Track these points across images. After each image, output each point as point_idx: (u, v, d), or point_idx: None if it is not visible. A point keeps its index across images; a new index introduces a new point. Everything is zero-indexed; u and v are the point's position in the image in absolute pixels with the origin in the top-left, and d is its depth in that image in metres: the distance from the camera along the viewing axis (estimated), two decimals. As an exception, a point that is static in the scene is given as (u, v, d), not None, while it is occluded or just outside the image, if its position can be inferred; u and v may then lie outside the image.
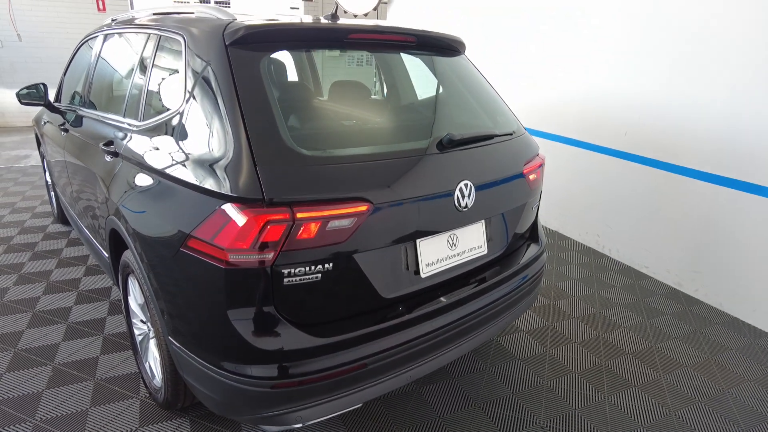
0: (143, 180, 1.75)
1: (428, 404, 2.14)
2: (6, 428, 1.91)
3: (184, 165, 1.53)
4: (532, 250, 2.15)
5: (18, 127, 8.80)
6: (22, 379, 2.21)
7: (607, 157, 3.83)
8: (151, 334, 1.99)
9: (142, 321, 2.10)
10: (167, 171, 1.60)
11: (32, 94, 3.19)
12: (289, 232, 1.32)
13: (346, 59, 5.53)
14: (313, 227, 1.35)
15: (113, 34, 2.58)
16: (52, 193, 4.11)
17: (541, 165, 2.12)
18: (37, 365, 2.31)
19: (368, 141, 1.72)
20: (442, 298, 1.70)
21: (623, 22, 3.55)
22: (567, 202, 4.23)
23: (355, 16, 7.21)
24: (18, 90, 3.20)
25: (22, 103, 3.20)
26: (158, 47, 1.95)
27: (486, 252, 1.88)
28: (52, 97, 3.30)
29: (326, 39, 1.71)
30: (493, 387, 2.28)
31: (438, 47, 2.09)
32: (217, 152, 1.42)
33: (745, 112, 2.88)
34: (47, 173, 4.11)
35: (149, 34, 2.09)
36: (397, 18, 6.68)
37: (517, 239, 2.08)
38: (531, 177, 2.00)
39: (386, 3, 7.14)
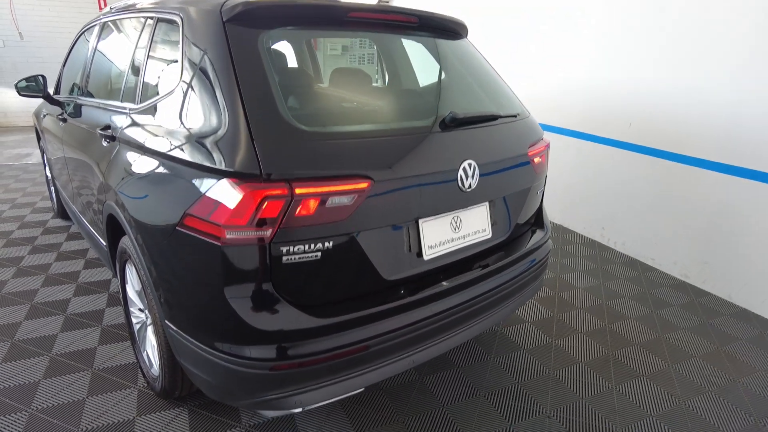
0: (140, 161, 1.72)
1: (431, 394, 2.10)
2: (2, 418, 1.87)
3: (180, 143, 1.50)
4: (537, 236, 2.10)
5: (20, 127, 8.81)
6: (19, 369, 2.17)
7: (612, 149, 3.78)
8: (149, 322, 1.95)
9: (140, 309, 2.06)
10: (163, 150, 1.56)
11: (31, 87, 3.17)
12: (287, 208, 1.28)
13: (348, 57, 5.50)
14: (312, 204, 1.31)
15: (110, 21, 2.56)
16: (52, 188, 4.09)
17: (546, 149, 2.07)
18: (35, 356, 2.28)
19: (369, 119, 1.68)
20: (445, 282, 1.66)
21: (624, 13, 3.51)
22: (571, 195, 4.18)
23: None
24: (17, 81, 3.18)
25: (20, 94, 3.19)
26: (155, 29, 1.92)
27: (490, 236, 1.84)
28: (51, 89, 3.28)
29: (326, 17, 1.67)
30: (497, 377, 2.23)
31: (440, 29, 2.05)
32: (213, 128, 1.39)
33: (750, 99, 2.83)
34: (47, 168, 4.09)
35: (146, 17, 2.05)
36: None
37: (521, 225, 2.03)
38: (536, 160, 1.96)
39: (386, 3, 7.14)
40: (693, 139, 3.17)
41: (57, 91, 3.36)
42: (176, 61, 1.64)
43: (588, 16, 3.83)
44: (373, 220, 1.44)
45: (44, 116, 3.59)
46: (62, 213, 4.03)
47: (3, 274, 3.08)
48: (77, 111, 2.69)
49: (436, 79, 2.08)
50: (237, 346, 1.36)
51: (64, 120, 2.85)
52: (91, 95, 2.59)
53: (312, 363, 1.37)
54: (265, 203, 1.26)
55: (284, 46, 2.01)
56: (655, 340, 2.59)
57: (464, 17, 2.22)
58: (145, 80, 1.89)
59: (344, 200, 1.35)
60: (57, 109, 3.10)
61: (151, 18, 1.98)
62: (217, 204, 1.30)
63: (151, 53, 1.91)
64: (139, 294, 1.98)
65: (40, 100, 3.89)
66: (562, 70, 4.12)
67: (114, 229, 2.06)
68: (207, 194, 1.33)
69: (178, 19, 1.70)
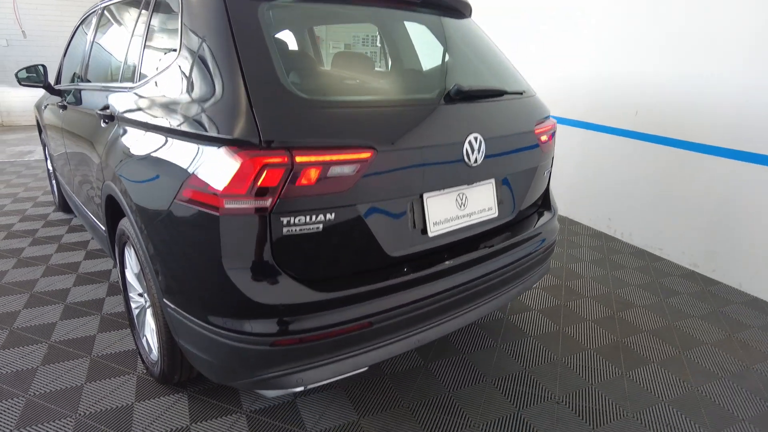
0: (138, 137, 1.68)
1: (437, 379, 2.05)
2: (-2, 403, 1.84)
3: (178, 114, 1.46)
4: (545, 217, 2.05)
5: (23, 126, 8.83)
6: (17, 356, 2.14)
7: (618, 138, 3.73)
8: (148, 305, 1.91)
9: (139, 294, 2.03)
10: (161, 123, 1.52)
11: (32, 77, 3.15)
12: (287, 177, 1.24)
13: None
14: (314, 173, 1.26)
15: (108, 6, 2.53)
16: (54, 182, 4.07)
17: (553, 128, 2.03)
18: (33, 343, 2.24)
19: (372, 91, 1.64)
20: (450, 260, 1.61)
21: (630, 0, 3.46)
22: (576, 186, 4.12)
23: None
24: (17, 71, 3.16)
25: (21, 84, 3.17)
26: (154, 7, 1.89)
27: (497, 215, 1.79)
28: (52, 79, 3.26)
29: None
30: (504, 363, 2.18)
31: (444, 8, 2.00)
32: (212, 96, 1.35)
33: (761, 84, 2.77)
34: (49, 162, 4.08)
35: (145, -4, 2.02)
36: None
37: (528, 206, 1.98)
38: (543, 138, 1.91)
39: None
40: (701, 126, 3.11)
41: (58, 81, 3.34)
42: (175, 34, 1.60)
43: (594, 3, 3.78)
44: (377, 193, 1.40)
45: (45, 107, 3.57)
46: (64, 206, 4.01)
47: (3, 264, 3.05)
48: (77, 97, 2.67)
49: (440, 59, 2.04)
50: (236, 320, 1.31)
51: (64, 107, 2.83)
52: (90, 81, 2.57)
53: (314, 339, 1.32)
54: (265, 172, 1.22)
55: (285, 17, 1.96)
56: (665, 328, 2.53)
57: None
58: (144, 57, 1.86)
59: (346, 170, 1.31)
60: (57, 99, 3.07)
61: None
62: (215, 173, 1.26)
63: (149, 30, 1.88)
64: (138, 277, 1.94)
65: (41, 95, 3.88)
66: (565, 59, 4.07)
67: (113, 212, 2.03)
68: (205, 164, 1.29)
69: None
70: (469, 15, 2.15)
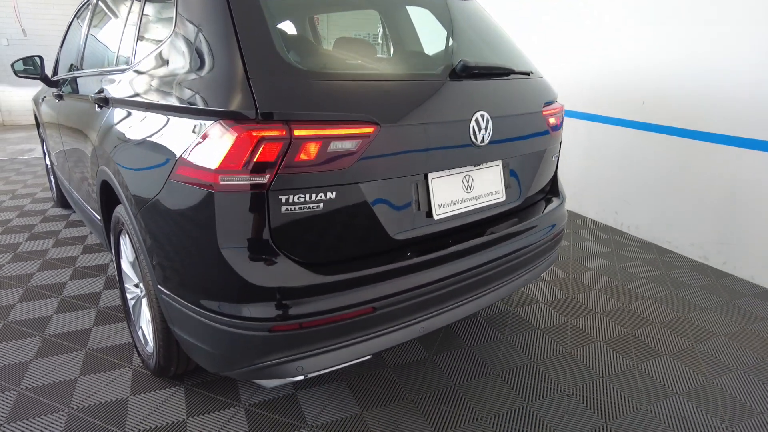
0: (132, 118, 1.62)
1: (442, 372, 1.98)
2: (-11, 397, 1.78)
3: (171, 89, 1.40)
4: (553, 204, 1.99)
5: (24, 125, 8.80)
6: (10, 349, 2.08)
7: (624, 129, 3.66)
8: (143, 294, 1.85)
9: (135, 285, 1.97)
10: (155, 100, 1.47)
11: (28, 69, 3.10)
12: (285, 151, 1.17)
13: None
14: (313, 148, 1.20)
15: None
16: (52, 177, 4.03)
17: (561, 111, 1.96)
18: (27, 336, 2.18)
19: (376, 66, 1.58)
20: (456, 245, 1.54)
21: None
22: (581, 179, 4.05)
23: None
24: (13, 62, 3.11)
25: (17, 75, 3.11)
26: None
27: (504, 199, 1.73)
28: (49, 71, 3.21)
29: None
30: (512, 355, 2.11)
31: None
32: (206, 68, 1.29)
33: (774, 69, 2.70)
34: (47, 157, 4.03)
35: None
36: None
37: (536, 191, 1.92)
38: (551, 120, 1.85)
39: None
40: (711, 114, 3.04)
41: (55, 73, 3.29)
42: (170, 9, 1.54)
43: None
44: (380, 171, 1.33)
45: (42, 100, 3.53)
46: (62, 202, 3.96)
47: (-1, 259, 3.00)
48: (73, 86, 2.62)
49: (444, 39, 1.97)
50: (233, 305, 1.25)
51: (60, 97, 2.78)
52: (86, 68, 2.52)
53: (314, 324, 1.26)
54: (262, 146, 1.16)
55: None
56: (676, 320, 2.46)
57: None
58: (139, 37, 1.80)
59: (348, 146, 1.24)
60: (54, 91, 3.02)
61: None
62: (210, 148, 1.20)
63: (144, 9, 1.82)
64: (133, 265, 1.88)
65: (39, 89, 3.84)
66: (568, 49, 4.00)
67: (108, 200, 1.97)
68: (199, 139, 1.23)
69: None
70: (474, -3, 2.09)
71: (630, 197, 3.66)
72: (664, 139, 3.35)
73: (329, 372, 1.52)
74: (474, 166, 1.60)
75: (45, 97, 3.43)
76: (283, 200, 1.21)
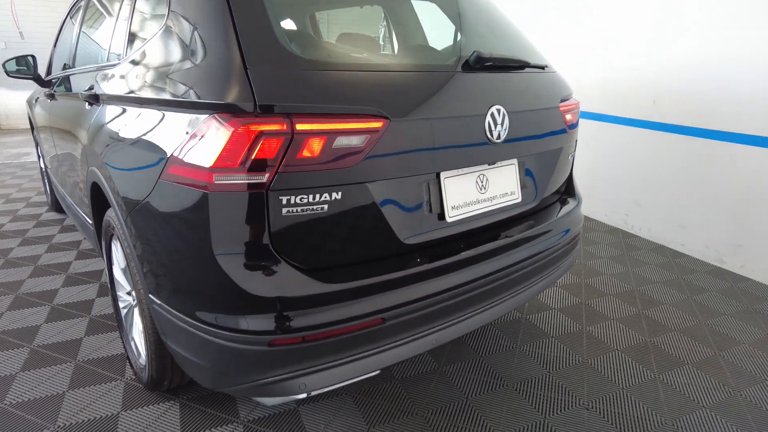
0: (122, 114, 1.52)
1: (453, 384, 1.87)
2: (-30, 413, 1.67)
3: (164, 82, 1.30)
4: (570, 205, 1.88)
5: (22, 129, 8.71)
6: (-5, 361, 1.97)
7: (634, 129, 3.55)
8: (135, 303, 1.74)
9: (127, 293, 1.86)
10: (146, 95, 1.36)
11: (21, 69, 3.01)
12: (287, 148, 1.07)
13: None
14: (317, 144, 1.10)
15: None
16: (47, 181, 3.92)
17: (577, 108, 1.86)
18: (14, 347, 2.07)
19: (384, 57, 1.47)
20: (470, 250, 1.43)
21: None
22: (590, 181, 3.94)
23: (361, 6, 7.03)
24: (4, 61, 3.01)
25: (9, 75, 3.02)
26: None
27: (519, 200, 1.62)
28: (43, 72, 3.11)
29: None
30: (526, 366, 2.00)
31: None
32: (200, 59, 1.19)
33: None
34: (41, 160, 3.93)
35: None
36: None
37: (552, 192, 1.81)
38: (567, 117, 1.74)
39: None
40: (726, 112, 2.93)
41: (49, 73, 3.19)
42: (163, 2, 1.44)
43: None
44: (389, 169, 1.22)
45: (36, 101, 3.43)
46: (56, 206, 3.86)
47: (-12, 265, 2.89)
48: (65, 85, 2.52)
49: (453, 32, 1.87)
50: (228, 316, 1.14)
51: (52, 96, 2.68)
52: (78, 65, 2.42)
53: (318, 337, 1.15)
54: (261, 141, 1.05)
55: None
56: (696, 327, 2.35)
57: None
58: (131, 32, 1.70)
59: (354, 141, 1.14)
60: (47, 90, 2.93)
61: None
62: (203, 145, 1.09)
63: (137, 4, 1.72)
64: (124, 272, 1.77)
65: (34, 91, 3.74)
66: (572, 49, 3.90)
67: (99, 203, 1.86)
68: (192, 135, 1.12)
69: None
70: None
71: (640, 199, 3.55)
72: (677, 139, 3.24)
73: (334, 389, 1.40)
74: (489, 165, 1.49)
75: (38, 98, 3.33)
76: (284, 201, 1.10)
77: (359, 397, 1.78)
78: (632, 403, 1.80)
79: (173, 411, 1.70)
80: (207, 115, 1.11)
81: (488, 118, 1.39)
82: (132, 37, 1.66)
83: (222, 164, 1.06)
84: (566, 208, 1.86)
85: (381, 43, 2.64)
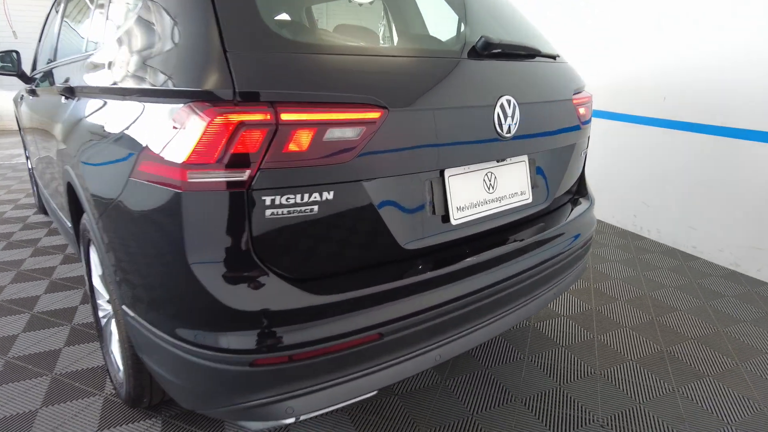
0: (94, 107, 1.39)
1: (457, 399, 1.73)
2: (-67, 433, 1.53)
3: (137, 70, 1.17)
4: (582, 206, 1.75)
5: (14, 131, 8.57)
6: (-35, 375, 1.84)
7: (643, 127, 3.42)
8: (111, 313, 1.61)
9: (107, 301, 1.72)
10: (120, 84, 1.23)
11: (6, 66, 2.88)
12: (271, 140, 0.94)
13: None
14: (305, 137, 0.97)
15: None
16: (34, 182, 3.79)
17: (591, 102, 1.73)
18: (-14, 359, 1.94)
19: (381, 43, 1.34)
20: (477, 255, 1.30)
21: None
22: (597, 181, 3.79)
23: (360, 4, 6.91)
24: (-15, 57, 2.89)
25: (-9, 72, 2.89)
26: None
27: (530, 201, 1.49)
28: (28, 69, 2.99)
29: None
30: (535, 378, 1.86)
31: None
32: (175, 42, 1.06)
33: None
34: (29, 161, 3.80)
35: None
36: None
37: (564, 192, 1.68)
38: (581, 111, 1.61)
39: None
40: (741, 109, 2.80)
41: (34, 69, 3.07)
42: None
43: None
44: (387, 166, 1.09)
45: (21, 99, 3.30)
46: (44, 208, 3.72)
47: (-32, 270, 2.76)
48: (47, 79, 2.39)
49: (456, 22, 1.74)
50: (206, 332, 1.01)
51: (34, 92, 2.55)
52: (60, 58, 2.29)
53: (306, 356, 1.01)
54: (240, 133, 0.92)
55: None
56: (714, 334, 2.21)
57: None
58: (107, 20, 1.57)
59: (349, 134, 1.01)
60: (30, 86, 2.80)
61: None
62: (176, 138, 0.96)
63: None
64: (102, 279, 1.64)
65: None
66: (580, 41, 3.77)
67: (77, 205, 1.73)
68: (165, 127, 0.99)
69: None
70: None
71: (650, 200, 3.42)
72: (688, 137, 3.11)
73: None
74: (497, 162, 1.36)
75: (23, 95, 3.20)
76: (268, 202, 0.97)
77: (356, 413, 1.65)
78: (651, 419, 1.66)
79: (155, 429, 1.56)
80: (181, 105, 0.98)
81: (497, 110, 1.26)
82: (107, 24, 1.53)
83: (197, 160, 0.93)
84: (578, 210, 1.72)
85: (381, 38, 2.51)
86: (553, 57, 1.62)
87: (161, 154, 0.99)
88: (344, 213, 1.06)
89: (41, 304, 2.39)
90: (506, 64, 1.36)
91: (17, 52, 2.89)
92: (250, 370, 1.00)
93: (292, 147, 0.96)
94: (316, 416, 1.62)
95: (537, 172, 1.52)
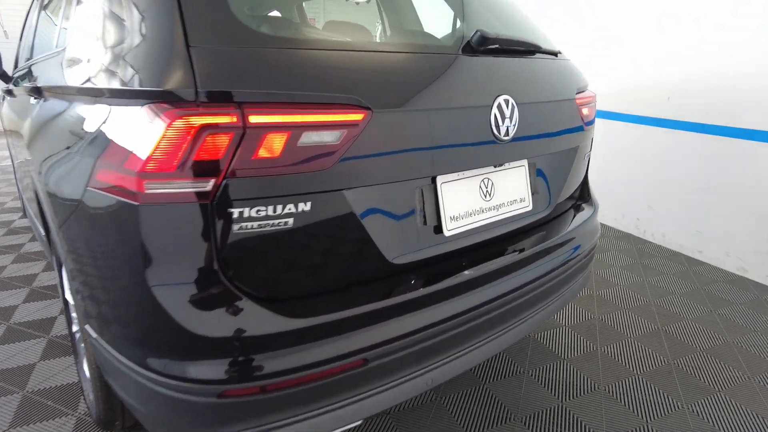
0: (57, 109, 1.28)
1: (452, 417, 1.63)
2: None
3: (96, 69, 1.07)
4: (585, 213, 1.64)
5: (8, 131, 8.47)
6: (-69, 392, 1.73)
7: (646, 128, 3.32)
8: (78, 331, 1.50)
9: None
10: (81, 85, 1.13)
11: (-14, 66, 2.78)
12: (237, 145, 0.83)
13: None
14: (278, 141, 0.86)
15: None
16: (19, 185, 3.69)
17: (594, 102, 1.62)
18: (-45, 375, 1.83)
19: (368, 37, 1.24)
20: (473, 269, 1.20)
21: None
22: (598, 183, 3.70)
23: (357, 3, 6.81)
24: (-36, 57, 2.78)
25: (-30, 72, 2.79)
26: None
27: (530, 208, 1.38)
28: (10, 69, 2.89)
29: None
30: (536, 394, 1.76)
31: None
32: (135, 38, 0.95)
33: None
34: (14, 163, 3.69)
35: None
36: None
37: (566, 198, 1.58)
38: (584, 111, 1.51)
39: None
40: (748, 108, 2.70)
41: (16, 68, 2.96)
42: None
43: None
44: (371, 173, 0.99)
45: (3, 99, 3.19)
46: (29, 212, 3.62)
47: (-55, 278, 2.65)
48: (23, 78, 2.28)
49: (452, 17, 1.64)
50: (170, 361, 0.90)
51: (11, 93, 2.45)
52: (36, 54, 2.19)
53: (281, 386, 0.91)
54: (203, 137, 0.81)
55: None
56: (723, 346, 2.11)
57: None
58: (75, 14, 1.47)
59: (327, 138, 0.90)
60: (7, 86, 2.70)
61: None
62: (134, 144, 0.86)
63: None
64: (71, 292, 1.54)
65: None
66: (581, 40, 3.67)
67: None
68: (122, 131, 0.88)
69: None
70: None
71: (654, 202, 3.31)
72: (693, 138, 3.01)
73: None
74: (495, 167, 1.26)
75: (5, 96, 3.10)
76: (236, 215, 0.86)
77: (345, 435, 1.54)
78: (660, 440, 1.56)
79: (128, 454, 1.46)
80: (139, 107, 0.87)
81: (494, 110, 1.16)
82: (74, 20, 1.42)
83: (155, 168, 0.82)
84: (582, 216, 1.62)
85: (375, 35, 2.41)
86: (555, 54, 1.51)
87: (117, 162, 0.88)
88: (323, 226, 0.95)
89: (18, 315, 2.28)
90: (504, 60, 1.26)
91: (-3, 51, 2.78)
92: (219, 402, 0.89)
93: (263, 153, 0.85)
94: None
95: (537, 176, 1.41)
